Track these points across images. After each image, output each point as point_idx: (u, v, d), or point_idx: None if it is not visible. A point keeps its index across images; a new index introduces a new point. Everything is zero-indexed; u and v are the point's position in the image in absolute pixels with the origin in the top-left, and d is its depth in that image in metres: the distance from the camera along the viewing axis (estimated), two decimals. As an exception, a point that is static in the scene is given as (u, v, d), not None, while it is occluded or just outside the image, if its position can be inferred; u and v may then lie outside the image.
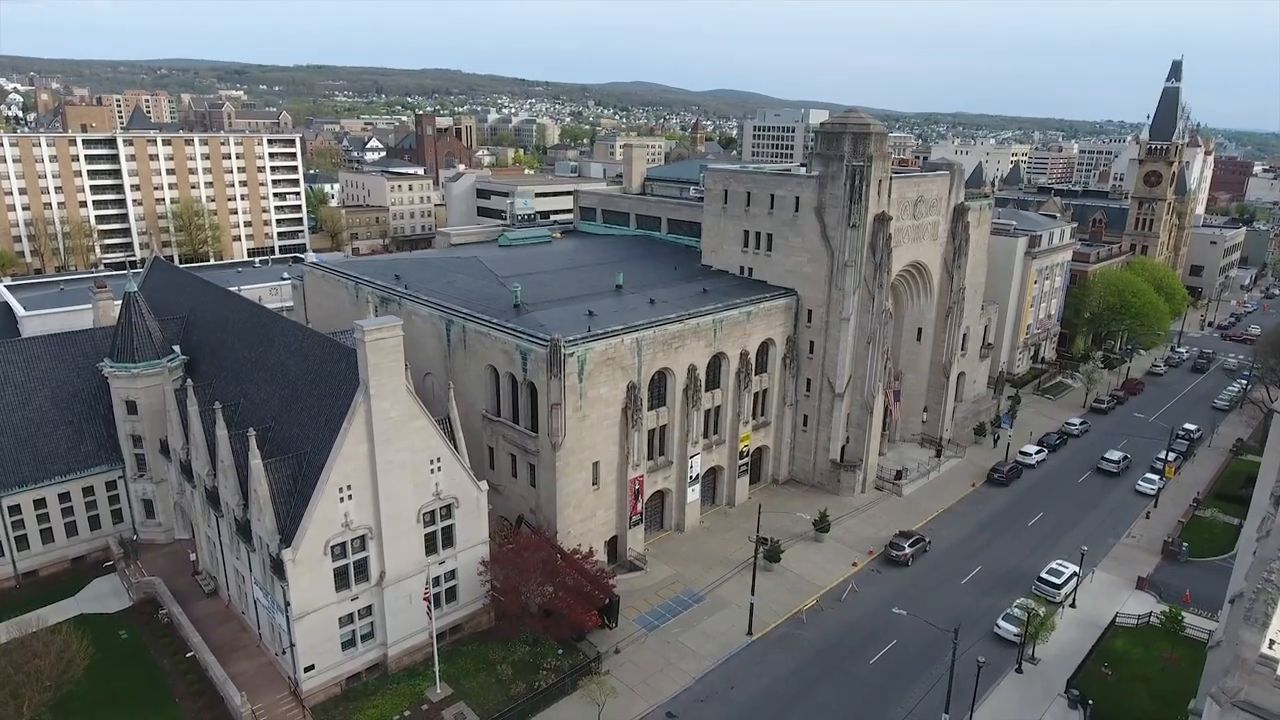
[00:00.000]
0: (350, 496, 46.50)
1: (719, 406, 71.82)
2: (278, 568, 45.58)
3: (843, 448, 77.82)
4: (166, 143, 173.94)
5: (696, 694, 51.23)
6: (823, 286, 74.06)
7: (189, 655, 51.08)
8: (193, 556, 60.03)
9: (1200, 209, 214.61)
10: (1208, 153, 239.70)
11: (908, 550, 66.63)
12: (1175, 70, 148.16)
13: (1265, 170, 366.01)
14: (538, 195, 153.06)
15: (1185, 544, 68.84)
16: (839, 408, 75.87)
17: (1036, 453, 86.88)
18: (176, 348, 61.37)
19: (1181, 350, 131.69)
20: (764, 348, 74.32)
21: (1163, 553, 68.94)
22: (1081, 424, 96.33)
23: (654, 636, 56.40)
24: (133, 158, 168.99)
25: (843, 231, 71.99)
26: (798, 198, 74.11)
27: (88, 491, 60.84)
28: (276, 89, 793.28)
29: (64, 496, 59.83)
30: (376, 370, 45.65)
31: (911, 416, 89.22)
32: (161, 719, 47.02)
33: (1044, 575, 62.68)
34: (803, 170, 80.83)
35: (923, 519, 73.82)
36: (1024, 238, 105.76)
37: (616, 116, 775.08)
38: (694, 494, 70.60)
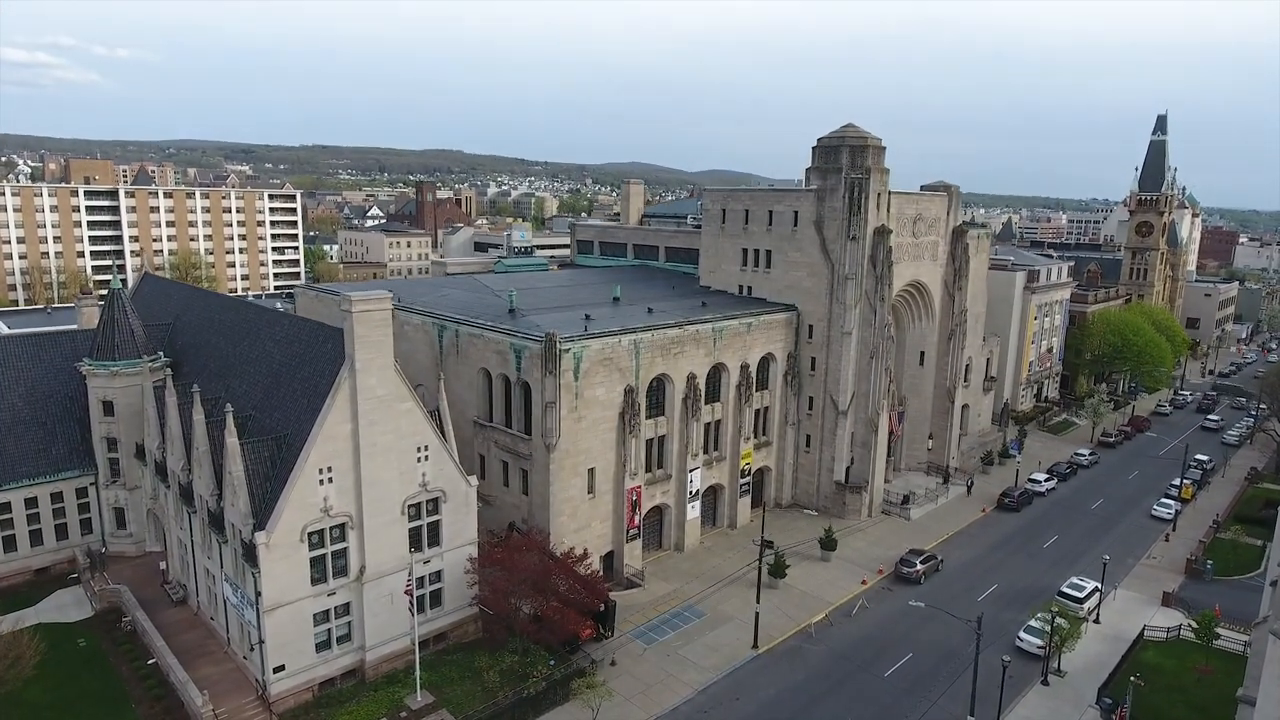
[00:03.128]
0: (331, 479, 43.84)
1: (719, 421, 69.53)
2: (250, 554, 42.53)
3: (847, 469, 75.15)
4: (168, 195, 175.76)
5: (699, 705, 47.41)
6: (823, 300, 72.84)
7: (150, 662, 47.28)
8: (163, 566, 56.61)
9: (1192, 264, 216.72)
10: (1195, 215, 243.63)
11: (919, 567, 63.33)
12: (1161, 124, 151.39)
13: (1251, 239, 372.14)
14: (535, 247, 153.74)
15: (1210, 562, 65.68)
16: (843, 426, 73.57)
17: (1046, 480, 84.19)
18: (160, 352, 59.41)
19: (1185, 393, 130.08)
20: (765, 364, 72.54)
21: (1187, 571, 65.69)
22: (1091, 455, 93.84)
23: (653, 650, 52.68)
24: (133, 209, 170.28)
25: (842, 244, 71.24)
26: (796, 212, 73.66)
27: (56, 498, 57.72)
28: (282, 167, 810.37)
29: (31, 502, 56.71)
30: (364, 344, 43.74)
31: (917, 444, 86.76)
32: (115, 726, 43.13)
33: (1065, 590, 59.29)
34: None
35: (933, 541, 70.60)
36: (1022, 272, 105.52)
37: (613, 194, 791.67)
38: (694, 511, 67.55)
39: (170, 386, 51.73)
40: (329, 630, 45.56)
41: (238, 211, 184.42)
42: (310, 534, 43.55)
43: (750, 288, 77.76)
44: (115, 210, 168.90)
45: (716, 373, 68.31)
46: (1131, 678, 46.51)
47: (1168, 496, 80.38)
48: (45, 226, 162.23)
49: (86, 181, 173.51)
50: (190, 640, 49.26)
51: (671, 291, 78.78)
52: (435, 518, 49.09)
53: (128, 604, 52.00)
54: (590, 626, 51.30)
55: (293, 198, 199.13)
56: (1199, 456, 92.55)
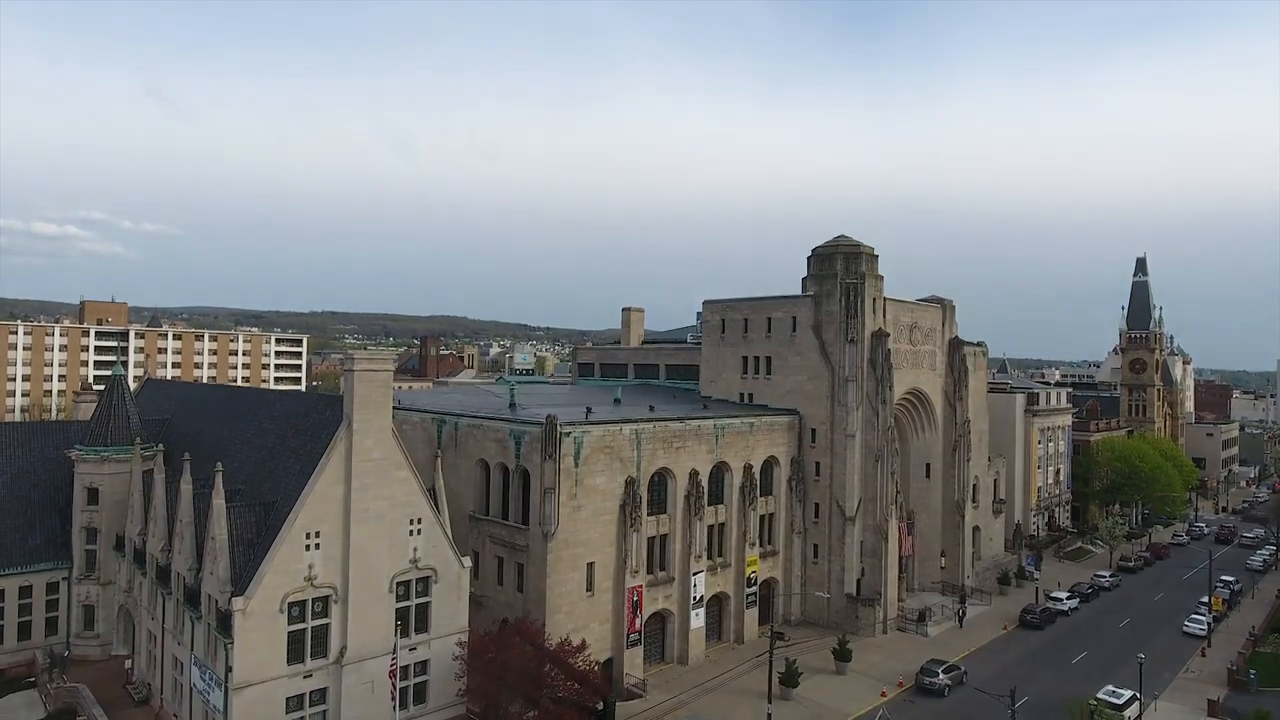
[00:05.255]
0: (318, 545, 41.82)
1: (723, 524, 67.23)
2: (224, 625, 39.74)
3: (858, 581, 71.67)
4: (177, 337, 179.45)
5: (708, 813, 42.48)
6: (825, 404, 72.55)
7: (102, 761, 42.94)
8: (128, 664, 52.69)
9: (1190, 405, 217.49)
10: (1186, 363, 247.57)
11: (943, 678, 58.88)
12: (1141, 265, 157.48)
13: (1245, 393, 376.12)
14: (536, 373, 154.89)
15: (1253, 672, 61.19)
16: (851, 533, 71.00)
17: (1069, 598, 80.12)
18: (155, 444, 58.36)
19: (1201, 524, 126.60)
20: (768, 468, 71.20)
21: (1229, 682, 61.01)
22: (1112, 576, 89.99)
23: (656, 758, 47.97)
24: (141, 349, 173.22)
25: (841, 346, 71.99)
26: (794, 317, 74.98)
27: (25, 592, 54.73)
28: (290, 331, 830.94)
29: (-3, 596, 53.71)
30: (363, 404, 43.19)
31: (929, 562, 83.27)
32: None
33: (1100, 696, 54.79)
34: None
35: (954, 656, 66.01)
36: (1022, 394, 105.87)
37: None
38: (698, 620, 63.76)
39: (159, 464, 50.51)
40: (302, 719, 41.69)
41: (244, 355, 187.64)
42: (291, 604, 40.96)
43: (751, 395, 77.71)
44: (124, 351, 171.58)
45: (719, 473, 66.87)
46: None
47: (1197, 613, 76.20)
48: (52, 365, 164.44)
49: (99, 322, 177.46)
50: (148, 738, 44.97)
51: (673, 400, 78.61)
52: (425, 599, 46.37)
53: (84, 702, 47.85)
54: (588, 728, 46.97)
55: (299, 341, 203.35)
56: (1225, 577, 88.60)
